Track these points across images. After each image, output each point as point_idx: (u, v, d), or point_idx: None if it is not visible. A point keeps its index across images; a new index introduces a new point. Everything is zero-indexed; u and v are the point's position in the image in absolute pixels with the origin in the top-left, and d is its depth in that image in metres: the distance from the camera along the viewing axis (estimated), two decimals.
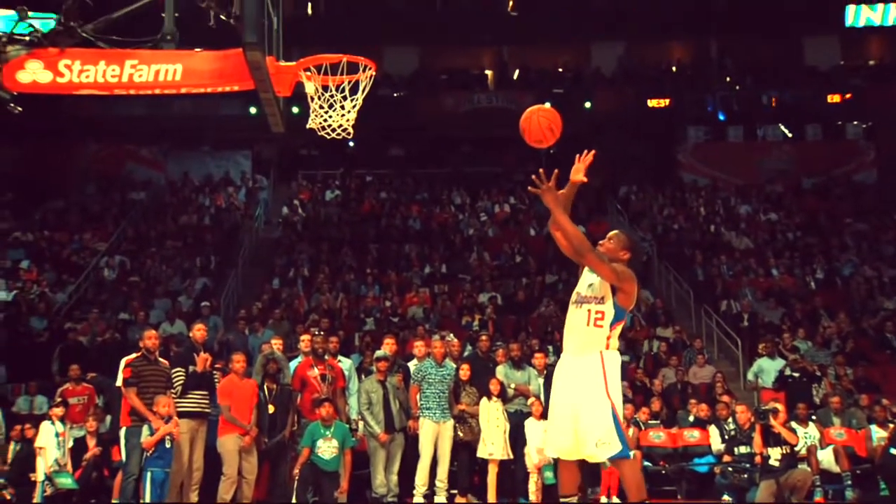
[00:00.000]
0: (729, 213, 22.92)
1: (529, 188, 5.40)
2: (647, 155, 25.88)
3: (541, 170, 5.33)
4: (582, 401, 5.34)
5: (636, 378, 14.10)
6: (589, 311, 5.41)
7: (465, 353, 12.15)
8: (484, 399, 10.50)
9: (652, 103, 26.07)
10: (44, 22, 6.56)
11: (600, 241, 5.58)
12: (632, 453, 5.63)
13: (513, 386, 10.97)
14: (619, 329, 5.46)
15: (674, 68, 27.97)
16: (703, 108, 26.37)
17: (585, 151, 5.48)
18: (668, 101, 26.03)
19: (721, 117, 26.35)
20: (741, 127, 26.63)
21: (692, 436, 12.31)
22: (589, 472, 10.21)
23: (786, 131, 26.91)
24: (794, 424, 11.32)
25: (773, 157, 25.90)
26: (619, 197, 24.09)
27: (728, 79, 27.02)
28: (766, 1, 25.46)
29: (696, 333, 16.70)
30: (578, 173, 5.48)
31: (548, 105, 5.67)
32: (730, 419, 11.69)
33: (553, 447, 5.58)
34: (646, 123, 25.84)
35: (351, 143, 23.66)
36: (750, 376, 13.99)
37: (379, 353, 10.85)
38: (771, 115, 26.47)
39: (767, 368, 13.73)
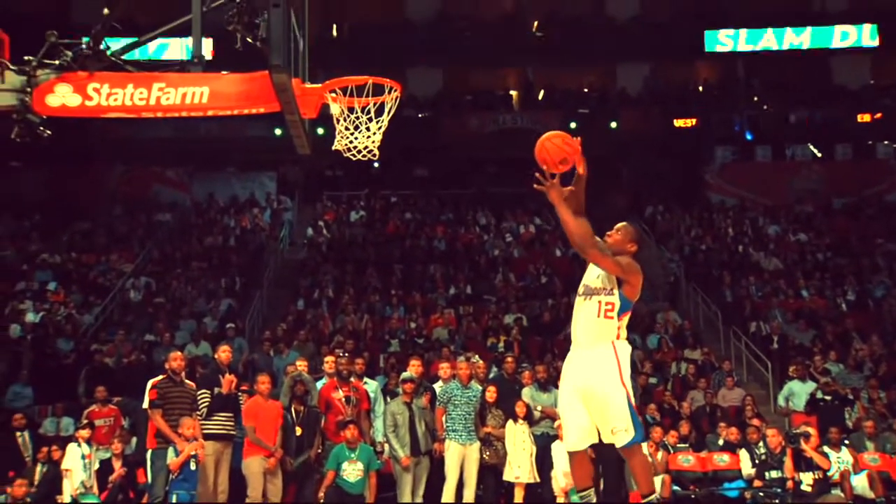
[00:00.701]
0: (757, 233, 22.70)
1: (535, 185, 5.39)
2: (674, 175, 25.73)
3: (543, 167, 5.34)
4: (598, 389, 5.37)
5: (664, 400, 13.91)
6: (599, 302, 5.42)
7: (491, 375, 12.05)
8: (510, 422, 10.39)
9: (678, 123, 25.97)
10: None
11: (608, 233, 5.59)
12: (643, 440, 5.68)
13: (539, 408, 10.86)
14: (626, 319, 5.49)
15: (700, 88, 27.87)
16: (730, 128, 26.22)
17: (577, 139, 5.48)
18: (694, 121, 25.92)
19: (748, 137, 26.17)
20: (769, 147, 26.43)
21: (722, 460, 12.12)
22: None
23: (815, 151, 26.67)
24: (826, 449, 11.16)
25: (802, 177, 25.67)
26: (645, 217, 23.92)
27: (756, 98, 26.86)
28: (791, 20, 25.47)
29: (725, 355, 16.50)
30: (580, 164, 5.53)
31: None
32: (760, 443, 11.50)
33: (571, 441, 5.54)
34: (672, 143, 25.73)
35: (376, 164, 23.68)
36: (781, 401, 13.78)
37: (405, 374, 10.78)
38: (800, 135, 26.27)
39: (798, 391, 13.54)
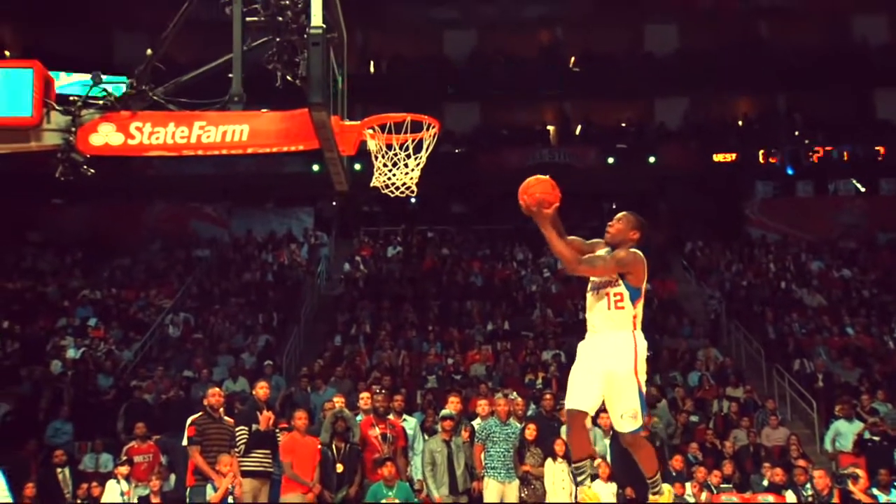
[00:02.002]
0: (800, 269, 22.36)
1: (524, 210, 5.46)
2: (714, 210, 25.51)
3: (545, 205, 5.40)
4: (616, 373, 5.44)
5: (706, 439, 13.65)
6: (607, 294, 5.51)
7: (529, 413, 11.90)
8: (549, 460, 10.25)
9: (718, 158, 25.80)
10: (116, 87, 6.70)
11: (609, 223, 5.65)
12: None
13: None
14: (640, 305, 5.55)
15: (740, 122, 27.69)
16: (770, 163, 25.98)
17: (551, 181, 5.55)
18: (734, 155, 25.75)
19: (789, 172, 25.92)
20: (811, 182, 26.17)
21: (767, 501, 11.84)
22: None
23: (858, 186, 26.31)
24: (875, 491, 10.86)
25: (845, 212, 25.34)
26: (685, 253, 23.70)
27: (797, 133, 26.63)
28: (833, 54, 25.27)
29: (768, 394, 16.20)
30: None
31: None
32: (807, 484, 11.22)
33: (574, 400, 5.50)
34: (712, 178, 25.55)
35: (413, 200, 23.77)
36: (827, 444, 13.48)
37: (444, 412, 10.68)
38: (842, 170, 25.99)
39: (845, 431, 13.23)
